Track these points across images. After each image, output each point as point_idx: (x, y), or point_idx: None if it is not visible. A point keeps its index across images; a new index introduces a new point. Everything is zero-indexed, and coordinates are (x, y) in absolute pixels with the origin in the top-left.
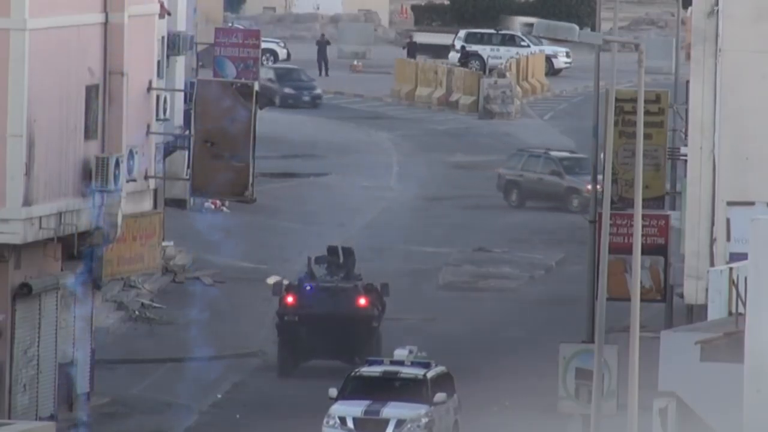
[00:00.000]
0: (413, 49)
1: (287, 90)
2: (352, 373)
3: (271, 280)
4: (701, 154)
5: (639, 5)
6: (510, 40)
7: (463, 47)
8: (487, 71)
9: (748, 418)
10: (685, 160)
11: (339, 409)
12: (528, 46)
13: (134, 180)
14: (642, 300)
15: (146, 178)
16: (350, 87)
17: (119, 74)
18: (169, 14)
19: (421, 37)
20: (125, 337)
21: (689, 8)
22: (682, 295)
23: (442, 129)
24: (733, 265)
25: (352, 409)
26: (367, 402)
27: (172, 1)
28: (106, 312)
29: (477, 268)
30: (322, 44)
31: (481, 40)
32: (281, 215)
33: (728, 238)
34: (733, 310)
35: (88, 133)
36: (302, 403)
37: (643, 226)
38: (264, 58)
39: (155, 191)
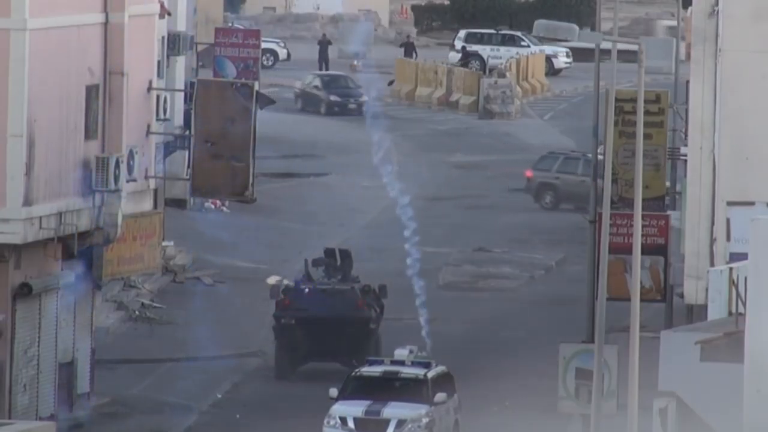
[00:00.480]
0: (410, 48)
1: (333, 97)
2: (353, 373)
3: (272, 280)
4: (701, 154)
5: (639, 5)
6: (510, 40)
7: (463, 47)
8: (487, 71)
9: (748, 418)
10: (685, 160)
11: (340, 409)
12: (528, 46)
13: (134, 180)
14: (642, 300)
15: (146, 178)
16: None
17: (119, 74)
18: (169, 14)
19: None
20: (125, 337)
21: (689, 8)
22: (682, 295)
23: (442, 129)
24: (733, 265)
25: (353, 409)
26: (367, 402)
27: (172, 1)
28: (106, 312)
29: (477, 268)
30: (324, 44)
31: (481, 40)
32: (281, 215)
33: (728, 238)
34: (733, 310)
35: (88, 133)
36: (302, 403)
37: (643, 226)
38: (264, 58)
39: (155, 191)
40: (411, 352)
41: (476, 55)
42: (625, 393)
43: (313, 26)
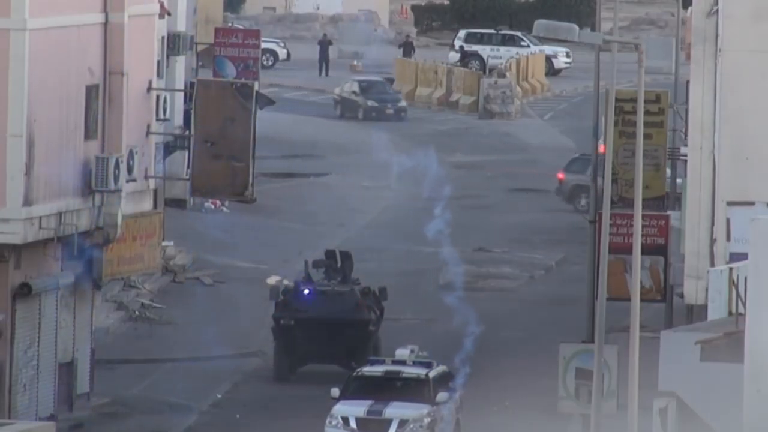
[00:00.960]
0: (408, 48)
1: (371, 103)
2: (354, 373)
3: (272, 280)
4: (701, 154)
5: (639, 5)
6: (510, 40)
7: (461, 47)
8: (487, 71)
9: (748, 418)
10: (685, 160)
11: (341, 409)
12: (528, 46)
13: (134, 180)
14: (642, 300)
15: (146, 178)
16: None
17: (119, 74)
18: (169, 14)
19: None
20: (125, 337)
21: (689, 8)
22: (682, 295)
23: (443, 129)
24: (733, 265)
25: (355, 409)
26: (369, 402)
27: (172, 1)
28: (106, 312)
29: (477, 268)
30: (324, 44)
31: (481, 40)
32: (281, 215)
33: (728, 238)
34: (733, 310)
35: (88, 133)
36: (303, 404)
37: (643, 226)
38: (264, 58)
39: (155, 191)
40: (412, 351)
41: (476, 55)
42: (625, 393)
43: (313, 26)
